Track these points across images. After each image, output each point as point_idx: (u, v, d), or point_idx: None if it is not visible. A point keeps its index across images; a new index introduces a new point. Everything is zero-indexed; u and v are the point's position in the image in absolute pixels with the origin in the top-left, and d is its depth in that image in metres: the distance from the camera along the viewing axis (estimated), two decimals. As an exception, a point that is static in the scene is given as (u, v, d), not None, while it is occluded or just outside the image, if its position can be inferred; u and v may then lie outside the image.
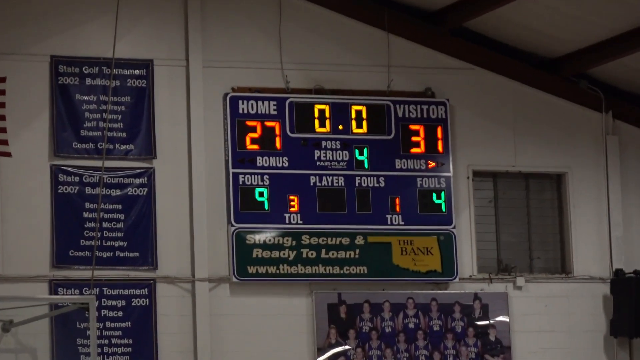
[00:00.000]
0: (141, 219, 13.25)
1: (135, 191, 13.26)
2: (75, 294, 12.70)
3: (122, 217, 13.08)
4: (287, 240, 13.77)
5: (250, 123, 13.87)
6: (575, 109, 15.34)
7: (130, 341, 13.14)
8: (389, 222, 14.21)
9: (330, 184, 14.15)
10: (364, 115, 14.37)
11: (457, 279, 14.54)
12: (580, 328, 15.03)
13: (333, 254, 13.94)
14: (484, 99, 15.08)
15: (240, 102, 13.82)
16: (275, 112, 14.04)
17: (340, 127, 14.31)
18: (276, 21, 13.94)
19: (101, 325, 12.69)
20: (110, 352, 12.95)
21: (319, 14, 14.27)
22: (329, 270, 13.95)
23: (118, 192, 12.94)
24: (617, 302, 14.89)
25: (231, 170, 13.68)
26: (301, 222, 13.93)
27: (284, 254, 13.79)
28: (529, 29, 14.69)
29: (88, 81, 13.08)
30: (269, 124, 13.99)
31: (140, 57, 13.50)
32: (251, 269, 13.64)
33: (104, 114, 13.10)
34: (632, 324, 14.70)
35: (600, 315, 15.00)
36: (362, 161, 14.31)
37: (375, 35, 14.53)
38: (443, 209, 14.50)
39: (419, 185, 14.51)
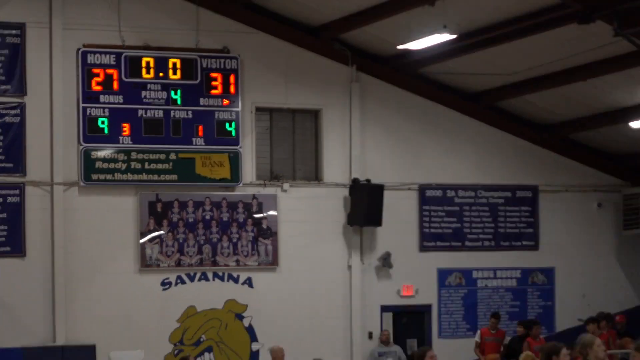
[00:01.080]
0: (15, 139, 16.14)
1: (11, 119, 16.13)
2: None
3: (1, 137, 16.05)
4: (121, 156, 16.70)
5: (95, 70, 16.61)
6: (331, 63, 18.33)
7: (6, 227, 16.18)
8: (194, 144, 17.19)
9: (153, 115, 16.95)
10: (179, 65, 17.10)
11: (241, 184, 17.61)
12: (327, 219, 18.38)
13: (154, 166, 16.93)
14: (265, 55, 17.91)
15: (88, 55, 16.59)
16: (114, 63, 16.75)
17: (161, 74, 16.98)
18: (117, -6, 16.53)
19: (-19, 216, 15.71)
20: (-11, 234, 15.89)
21: (148, -9, 16.78)
22: (150, 177, 16.98)
23: (-2, 121, 15.91)
24: (353, 201, 18.20)
25: (81, 105, 16.51)
26: (131, 143, 16.81)
27: (118, 165, 16.70)
28: (297, 2, 17.36)
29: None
30: (109, 71, 16.70)
31: (16, 21, 16.25)
32: (94, 176, 16.61)
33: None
34: (363, 217, 18.10)
35: (342, 210, 18.38)
36: (176, 99, 17.08)
37: (189, 7, 17.22)
38: (233, 134, 17.41)
39: (216, 117, 17.33)
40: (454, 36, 15.78)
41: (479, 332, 18.49)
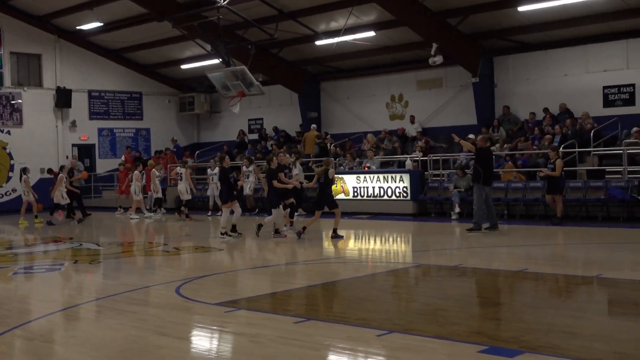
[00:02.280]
0: None
1: None
2: None
3: None
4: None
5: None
6: (46, 34, 36.24)
7: None
8: (-17, 68, 36.10)
9: (-36, 55, 35.50)
10: (-24, 32, 36.15)
11: (4, 87, 34.85)
12: (46, 103, 35.87)
13: (-35, 78, 36.09)
14: (15, 30, 35.06)
15: None
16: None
17: (-32, 36, 36.06)
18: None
19: None
20: None
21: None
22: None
23: None
24: (58, 96, 36.45)
25: None
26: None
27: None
28: (36, 7, 34.42)
29: None
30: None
31: None
32: (-62, 81, 35.73)
33: None
34: (62, 103, 36.52)
35: (52, 99, 35.94)
36: (-25, 48, 36.28)
37: (-19, 6, 35.89)
38: (1, 65, 35.98)
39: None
40: (102, 24, 35.24)
41: None
